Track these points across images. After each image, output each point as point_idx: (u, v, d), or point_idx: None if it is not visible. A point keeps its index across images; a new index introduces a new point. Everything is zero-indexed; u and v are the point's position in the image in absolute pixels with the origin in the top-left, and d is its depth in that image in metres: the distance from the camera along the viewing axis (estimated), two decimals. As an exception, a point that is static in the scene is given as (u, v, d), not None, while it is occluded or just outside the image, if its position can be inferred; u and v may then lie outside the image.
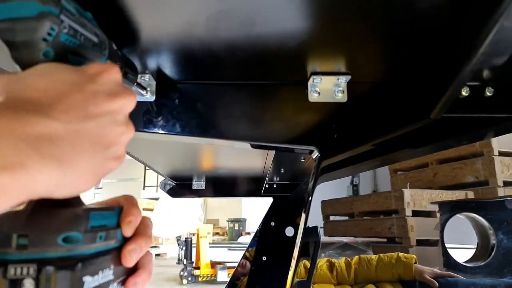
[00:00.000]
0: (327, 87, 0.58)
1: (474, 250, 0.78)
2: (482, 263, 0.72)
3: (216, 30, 0.44)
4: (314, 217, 3.14)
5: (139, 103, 0.55)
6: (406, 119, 0.58)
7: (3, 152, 0.24)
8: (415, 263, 1.33)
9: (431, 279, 1.24)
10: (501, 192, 2.17)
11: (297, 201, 1.12)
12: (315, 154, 0.58)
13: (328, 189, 3.35)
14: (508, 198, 1.68)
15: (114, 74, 0.34)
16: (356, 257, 1.44)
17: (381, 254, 1.39)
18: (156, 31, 0.45)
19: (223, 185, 1.41)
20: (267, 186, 1.28)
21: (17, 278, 0.28)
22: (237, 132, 0.55)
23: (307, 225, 1.26)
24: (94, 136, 0.30)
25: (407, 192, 2.54)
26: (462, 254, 0.83)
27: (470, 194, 2.33)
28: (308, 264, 1.40)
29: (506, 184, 2.18)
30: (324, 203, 3.33)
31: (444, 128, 0.63)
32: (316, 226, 1.22)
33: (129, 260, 0.34)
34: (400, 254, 1.35)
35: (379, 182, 3.47)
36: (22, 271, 0.29)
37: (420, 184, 2.88)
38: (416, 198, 2.52)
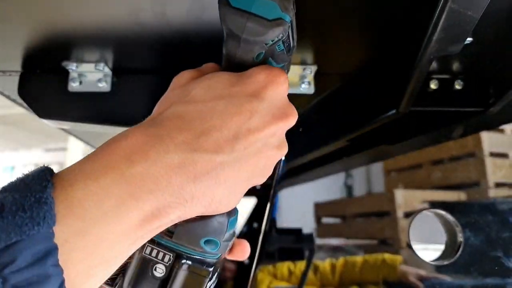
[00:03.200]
0: (293, 79, 0.55)
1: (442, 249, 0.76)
2: (449, 262, 0.70)
3: (164, 16, 0.42)
4: (308, 219, 3.11)
5: (95, 94, 0.53)
6: (375, 113, 0.56)
7: (170, 190, 0.25)
8: (401, 264, 1.31)
9: (416, 281, 1.22)
10: (492, 193, 2.15)
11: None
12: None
13: (323, 191, 3.33)
14: (498, 199, 1.65)
15: (281, 86, 0.31)
16: (342, 258, 1.42)
17: (367, 256, 1.38)
18: (102, 16, 0.42)
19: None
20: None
21: (151, 259, 0.30)
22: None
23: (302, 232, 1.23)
24: (245, 164, 0.29)
25: (399, 193, 2.52)
26: (430, 252, 0.81)
27: (462, 195, 2.32)
28: (292, 267, 1.39)
29: (498, 185, 2.16)
30: (317, 205, 3.32)
31: (416, 123, 0.61)
32: (312, 234, 1.20)
33: (247, 254, 0.39)
34: (386, 255, 1.33)
35: (374, 183, 3.45)
36: (158, 254, 0.30)
37: (413, 185, 2.86)
38: (408, 199, 2.50)
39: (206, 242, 0.31)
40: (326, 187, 3.46)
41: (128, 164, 0.25)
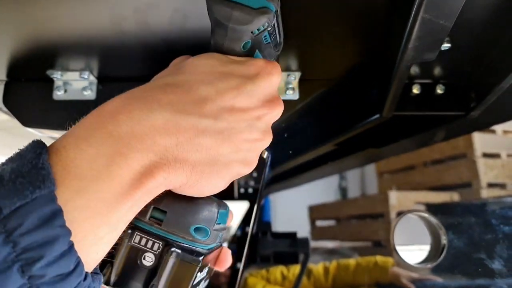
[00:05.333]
0: (279, 85, 0.56)
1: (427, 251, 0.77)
2: (433, 264, 0.71)
3: (147, 25, 0.42)
4: (302, 222, 3.12)
5: (80, 103, 0.53)
6: (360, 118, 0.57)
7: (155, 150, 0.26)
8: (393, 266, 1.31)
9: (408, 283, 1.23)
10: (485, 193, 2.17)
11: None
12: (265, 155, 0.57)
13: (318, 194, 3.33)
14: (490, 200, 1.66)
15: (274, 77, 0.32)
16: (335, 262, 1.43)
17: (359, 258, 1.38)
18: (85, 25, 0.43)
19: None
20: (242, 190, 1.26)
21: (139, 248, 0.29)
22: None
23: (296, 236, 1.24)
24: (228, 140, 0.29)
25: (393, 195, 2.53)
26: (415, 254, 0.82)
27: (455, 196, 2.33)
28: (285, 271, 1.39)
29: (490, 185, 2.18)
30: (311, 208, 3.33)
31: (401, 127, 0.62)
32: (307, 238, 1.21)
33: (228, 264, 0.37)
34: (378, 258, 1.34)
35: (367, 185, 3.46)
36: (147, 243, 0.29)
37: (407, 186, 2.87)
38: (401, 200, 2.51)
39: (196, 229, 0.30)
40: (321, 190, 3.46)
41: (115, 123, 0.25)
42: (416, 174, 2.72)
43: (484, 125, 0.56)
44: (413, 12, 0.32)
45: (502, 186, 2.32)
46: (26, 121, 0.51)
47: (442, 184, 2.49)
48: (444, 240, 0.68)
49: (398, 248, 0.77)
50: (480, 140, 2.27)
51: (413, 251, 0.81)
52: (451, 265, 0.68)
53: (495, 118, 0.57)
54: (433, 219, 0.70)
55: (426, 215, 0.72)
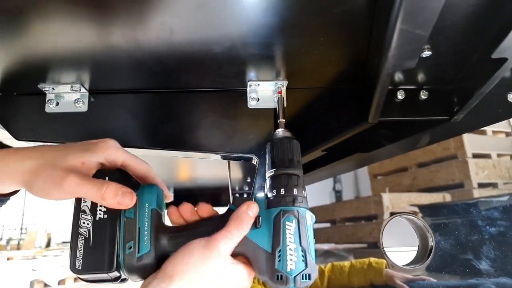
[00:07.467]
0: (266, 94, 0.57)
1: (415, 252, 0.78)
2: (421, 265, 0.72)
3: (135, 39, 0.43)
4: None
5: (72, 115, 0.54)
6: (346, 124, 0.58)
7: None
8: (386, 268, 1.32)
9: (402, 283, 1.23)
10: (477, 193, 2.19)
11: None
12: (255, 161, 0.57)
13: (313, 196, 3.33)
14: (482, 199, 1.67)
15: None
16: (330, 264, 1.44)
17: (353, 260, 1.39)
18: (76, 41, 0.44)
19: (192, 196, 1.39)
20: (237, 195, 1.27)
21: None
22: (173, 141, 0.54)
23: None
24: None
25: (386, 196, 2.54)
26: (405, 256, 0.83)
27: (448, 196, 2.35)
28: (281, 273, 1.39)
29: (481, 185, 2.20)
30: (307, 210, 3.29)
31: (386, 132, 0.63)
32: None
33: None
34: (372, 259, 1.34)
35: (361, 187, 3.46)
36: None
37: (400, 188, 2.88)
38: (395, 202, 2.53)
39: None
40: (316, 193, 3.47)
41: None
42: (408, 176, 2.73)
43: (468, 129, 0.58)
44: (390, 23, 0.33)
45: (494, 185, 2.35)
46: (19, 135, 0.52)
47: (435, 186, 2.51)
48: (431, 242, 0.69)
49: (387, 250, 0.78)
50: (470, 141, 2.30)
51: (402, 253, 0.82)
52: (439, 267, 0.69)
53: (478, 121, 0.59)
54: (420, 221, 0.72)
55: (412, 217, 0.73)
